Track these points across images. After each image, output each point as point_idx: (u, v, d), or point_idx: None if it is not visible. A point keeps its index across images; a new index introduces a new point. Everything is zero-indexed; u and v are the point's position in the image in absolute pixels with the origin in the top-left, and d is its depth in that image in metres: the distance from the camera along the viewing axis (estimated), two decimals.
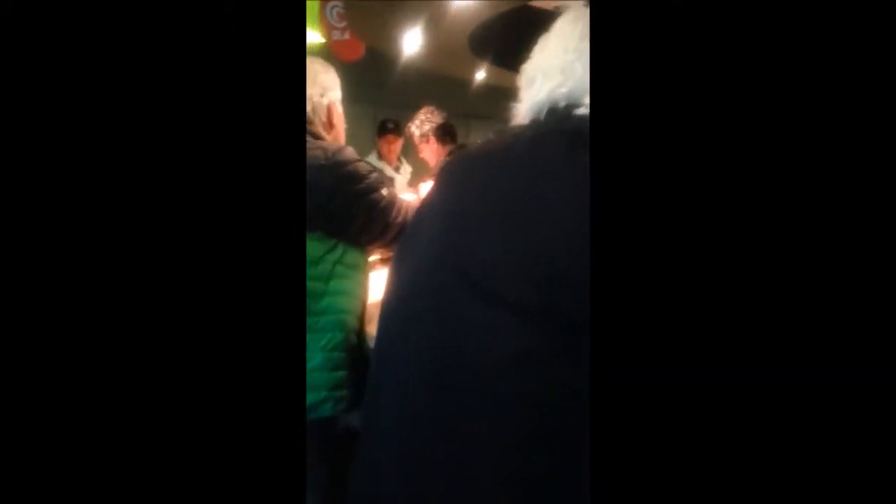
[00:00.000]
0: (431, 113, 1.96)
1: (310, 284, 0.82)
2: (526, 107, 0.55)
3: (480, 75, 2.09)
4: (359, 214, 0.85)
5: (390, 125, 2.52)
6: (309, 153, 0.85)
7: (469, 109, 3.87)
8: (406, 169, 2.72)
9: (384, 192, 0.89)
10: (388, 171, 2.59)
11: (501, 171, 0.49)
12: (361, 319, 0.92)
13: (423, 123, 1.93)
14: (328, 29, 2.26)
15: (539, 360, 0.40)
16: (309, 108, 0.94)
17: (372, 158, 2.62)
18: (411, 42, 1.55)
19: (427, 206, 0.57)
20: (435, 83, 2.78)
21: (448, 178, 0.57)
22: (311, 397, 0.81)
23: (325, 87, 0.96)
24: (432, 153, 1.96)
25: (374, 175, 0.89)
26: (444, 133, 1.94)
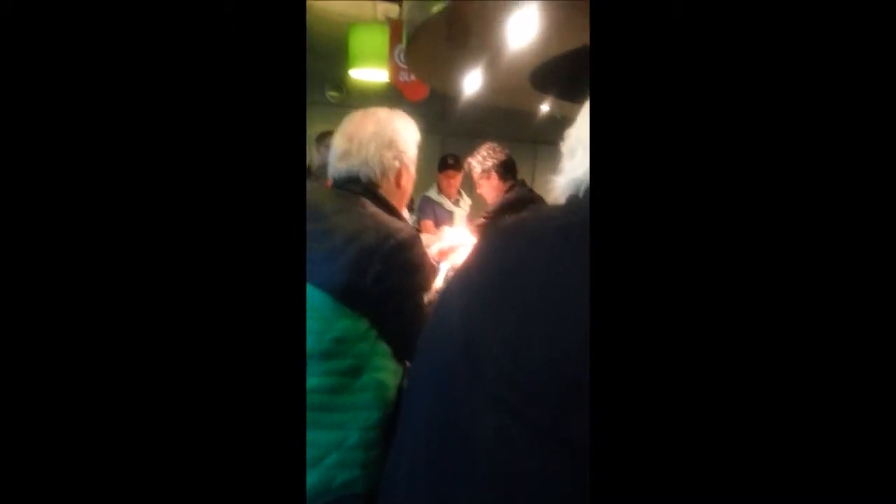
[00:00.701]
0: (493, 149, 1.91)
1: (350, 362, 0.79)
2: (565, 181, 0.52)
3: (545, 106, 2.04)
4: (406, 308, 0.80)
5: (450, 160, 2.57)
6: (360, 223, 0.80)
7: (536, 136, 3.84)
8: (466, 202, 2.73)
9: (430, 297, 0.83)
10: (448, 205, 2.62)
11: (530, 257, 0.48)
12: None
13: (485, 159, 1.89)
14: (395, 70, 2.36)
15: (535, 477, 0.40)
16: (377, 169, 0.89)
17: (432, 192, 2.67)
18: (472, 82, 1.55)
19: (457, 276, 0.56)
20: (499, 113, 2.79)
21: (482, 251, 0.56)
22: (343, 475, 0.78)
23: (401, 149, 0.91)
24: (492, 189, 1.90)
25: (428, 264, 0.83)
26: (506, 170, 1.88)
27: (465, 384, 0.45)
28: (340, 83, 3.80)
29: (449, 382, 0.47)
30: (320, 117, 3.81)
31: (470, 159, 1.95)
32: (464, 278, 0.55)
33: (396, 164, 0.90)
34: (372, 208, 0.85)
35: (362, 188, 0.88)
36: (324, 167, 1.38)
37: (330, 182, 0.94)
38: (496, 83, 1.65)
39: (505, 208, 1.79)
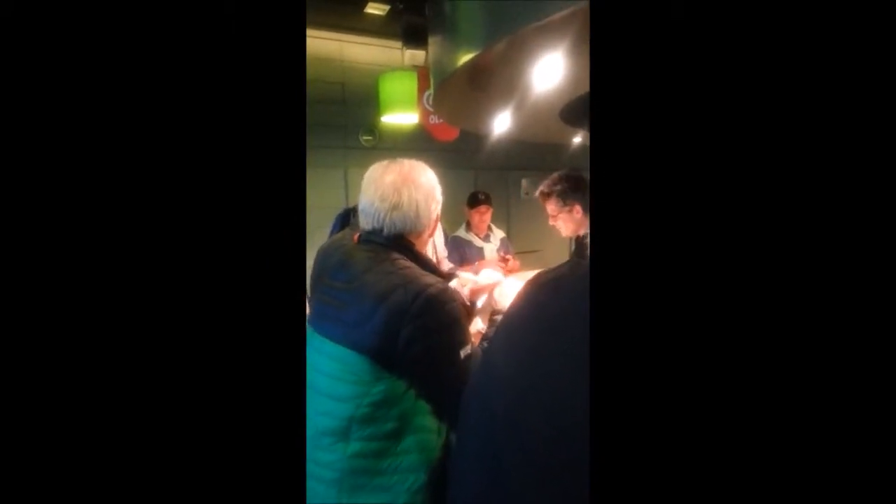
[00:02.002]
0: (574, 179, 1.63)
1: (391, 425, 0.77)
2: None
3: (577, 139, 2.02)
4: (443, 365, 0.78)
5: (481, 196, 2.60)
6: (389, 282, 0.78)
7: (568, 165, 3.82)
8: (496, 235, 2.73)
9: (466, 350, 0.79)
10: (477, 241, 2.62)
11: (570, 313, 0.47)
12: (449, 448, 0.85)
13: (565, 192, 1.62)
14: (425, 114, 2.43)
15: None
16: (414, 219, 0.87)
17: (461, 231, 2.68)
18: (500, 122, 1.57)
19: (501, 328, 0.56)
20: (530, 147, 2.79)
21: (524, 305, 0.54)
22: None
23: (437, 198, 0.91)
24: (573, 222, 1.65)
25: (462, 316, 0.80)
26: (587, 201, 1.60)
27: (515, 436, 0.44)
28: (373, 128, 3.95)
29: (498, 433, 0.46)
30: (355, 161, 3.96)
31: (545, 191, 1.68)
32: (508, 331, 0.54)
33: (435, 213, 0.90)
34: (401, 263, 0.83)
35: (389, 241, 0.86)
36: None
37: (357, 237, 0.92)
38: (525, 121, 1.65)
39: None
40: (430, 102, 2.33)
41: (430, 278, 0.80)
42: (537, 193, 1.72)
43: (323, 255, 1.00)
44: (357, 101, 3.78)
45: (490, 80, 1.28)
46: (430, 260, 0.91)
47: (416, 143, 3.66)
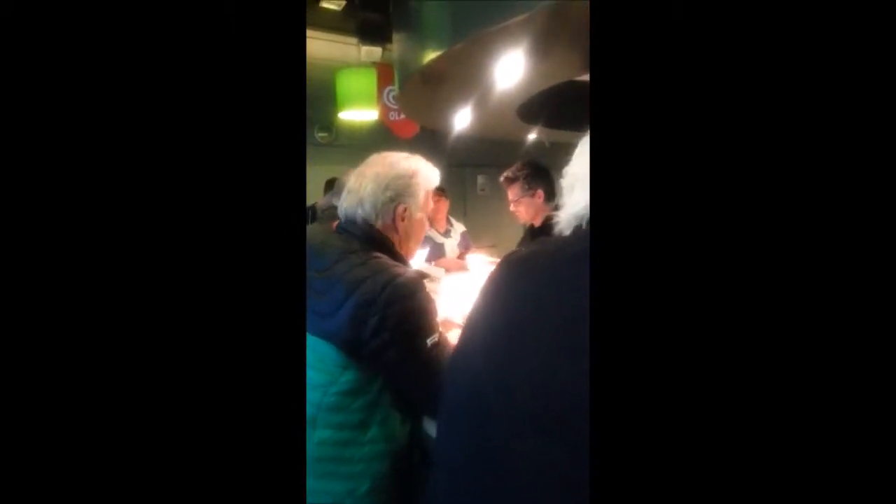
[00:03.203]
0: (532, 166, 1.72)
1: (357, 416, 0.79)
2: (566, 215, 0.56)
3: (532, 135, 2.11)
4: (410, 355, 0.79)
5: (437, 189, 2.52)
6: (359, 273, 0.79)
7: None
8: (457, 230, 2.75)
9: (434, 339, 0.81)
10: (438, 237, 2.64)
11: (544, 289, 0.50)
12: (413, 436, 0.87)
13: (528, 178, 1.70)
14: (385, 110, 2.44)
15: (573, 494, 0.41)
16: (371, 209, 0.88)
17: None
18: (462, 119, 1.62)
19: (476, 308, 0.59)
20: (489, 144, 2.85)
21: (497, 284, 0.58)
22: None
23: (398, 190, 0.90)
24: (533, 208, 1.73)
25: (431, 307, 0.81)
26: (550, 186, 1.71)
27: (498, 410, 0.47)
28: (329, 124, 3.90)
29: (482, 410, 0.49)
30: (311, 158, 3.89)
31: (510, 175, 1.75)
32: (482, 310, 0.57)
33: (392, 205, 0.89)
34: (372, 254, 0.84)
35: (360, 231, 0.88)
36: (328, 210, 1.39)
37: (335, 224, 0.94)
38: (485, 118, 1.72)
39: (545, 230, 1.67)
40: (392, 99, 2.34)
41: (399, 269, 0.81)
42: (502, 178, 1.79)
43: None
44: (311, 98, 3.72)
45: (453, 77, 1.33)
46: (402, 255, 0.92)
47: (375, 140, 3.65)
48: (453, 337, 0.82)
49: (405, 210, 0.91)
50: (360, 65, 2.69)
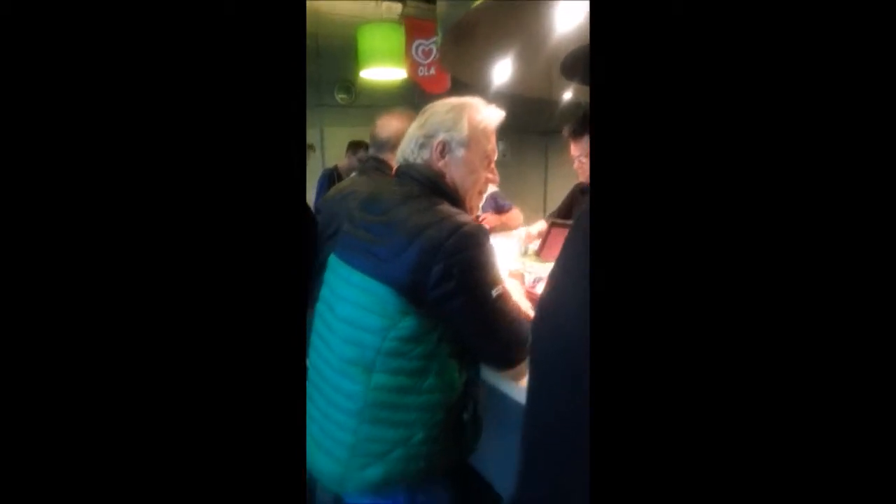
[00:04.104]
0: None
1: (416, 364, 0.78)
2: None
3: (568, 94, 2.03)
4: (472, 306, 0.78)
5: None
6: (423, 218, 0.77)
7: (560, 123, 3.84)
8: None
9: (498, 290, 0.79)
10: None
11: (582, 248, 0.50)
12: (469, 388, 0.87)
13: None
14: (414, 66, 2.37)
15: None
16: (415, 151, 0.87)
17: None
18: (502, 74, 1.56)
19: (559, 271, 0.58)
20: (524, 102, 2.76)
21: (580, 243, 0.57)
22: (409, 467, 0.80)
23: (431, 132, 0.87)
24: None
25: (494, 258, 0.80)
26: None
27: (580, 375, 0.46)
28: (350, 85, 3.81)
29: (574, 368, 0.48)
30: (330, 119, 3.83)
31: (577, 129, 1.65)
32: (568, 266, 0.57)
33: (430, 140, 0.86)
34: (435, 199, 0.82)
35: (418, 174, 0.86)
36: (369, 162, 1.37)
37: (395, 170, 0.92)
38: (526, 74, 1.65)
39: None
40: (420, 54, 2.27)
41: (464, 216, 0.79)
42: (567, 132, 1.68)
43: (343, 194, 0.99)
44: (329, 57, 3.62)
45: (499, 29, 1.26)
46: (462, 202, 0.89)
47: (398, 99, 3.57)
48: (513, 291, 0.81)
49: (444, 146, 0.86)
50: (384, 20, 2.58)
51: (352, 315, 0.81)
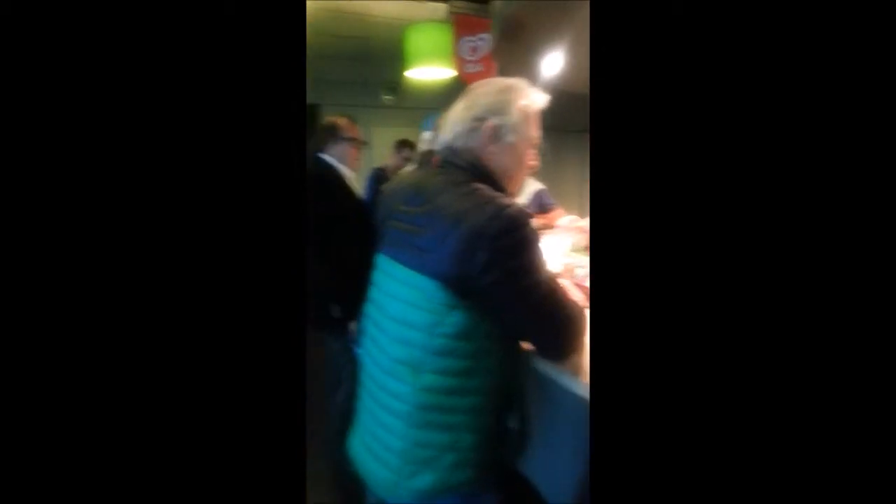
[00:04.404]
0: None
1: (465, 363, 0.75)
2: None
3: None
4: (520, 294, 0.73)
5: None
6: (464, 203, 0.73)
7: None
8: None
9: (548, 272, 0.75)
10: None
11: None
12: (514, 388, 0.84)
13: None
14: (461, 63, 2.35)
15: None
16: (461, 135, 0.82)
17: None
18: (551, 69, 1.53)
19: None
20: (564, 101, 2.69)
21: None
22: (459, 476, 0.77)
23: (479, 114, 0.82)
24: None
25: (539, 244, 0.75)
26: None
27: None
28: (395, 85, 3.85)
29: None
30: (378, 121, 3.89)
31: None
32: None
33: (479, 123, 0.81)
34: (476, 184, 0.77)
35: (462, 160, 0.82)
36: (426, 156, 1.35)
37: (437, 159, 0.88)
38: (574, 69, 1.61)
39: None
40: (467, 51, 2.25)
41: (506, 199, 0.74)
42: None
43: (390, 191, 0.97)
44: (374, 58, 3.67)
45: (550, 25, 1.23)
46: (507, 188, 0.84)
47: (442, 100, 3.57)
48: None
49: (494, 130, 0.82)
50: (431, 20, 2.58)
51: (400, 312, 0.78)
